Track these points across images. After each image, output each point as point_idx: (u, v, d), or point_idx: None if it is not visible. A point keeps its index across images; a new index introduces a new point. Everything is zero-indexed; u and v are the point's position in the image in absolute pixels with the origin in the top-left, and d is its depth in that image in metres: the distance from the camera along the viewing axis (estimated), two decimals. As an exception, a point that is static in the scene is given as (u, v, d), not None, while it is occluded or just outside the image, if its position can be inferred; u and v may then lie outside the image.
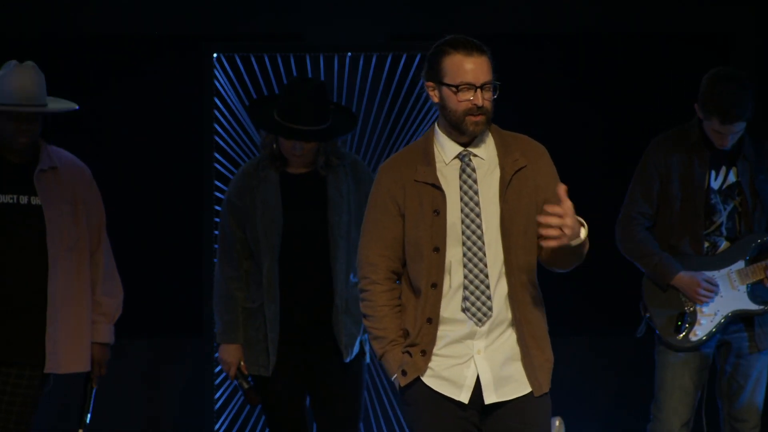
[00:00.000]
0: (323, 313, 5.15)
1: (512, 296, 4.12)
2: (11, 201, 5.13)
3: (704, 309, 5.48)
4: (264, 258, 5.15)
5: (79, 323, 5.20)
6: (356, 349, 5.20)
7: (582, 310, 6.91)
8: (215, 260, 5.42)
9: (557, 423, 5.24)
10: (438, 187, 4.13)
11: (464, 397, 4.12)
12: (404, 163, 4.20)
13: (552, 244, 3.98)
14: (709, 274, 5.46)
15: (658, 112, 7.02)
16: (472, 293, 4.10)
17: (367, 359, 5.30)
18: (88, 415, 5.30)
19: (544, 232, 3.97)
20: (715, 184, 5.48)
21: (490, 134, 4.19)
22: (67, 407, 7.03)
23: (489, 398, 4.12)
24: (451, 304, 4.12)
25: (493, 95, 4.11)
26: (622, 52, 7.09)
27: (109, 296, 5.28)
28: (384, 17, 7.06)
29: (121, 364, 7.06)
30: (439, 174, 4.15)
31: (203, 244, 6.80)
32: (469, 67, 4.08)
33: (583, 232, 4.04)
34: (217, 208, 6.52)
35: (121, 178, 7.01)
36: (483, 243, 4.10)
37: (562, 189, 3.98)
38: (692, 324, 5.47)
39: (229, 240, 5.25)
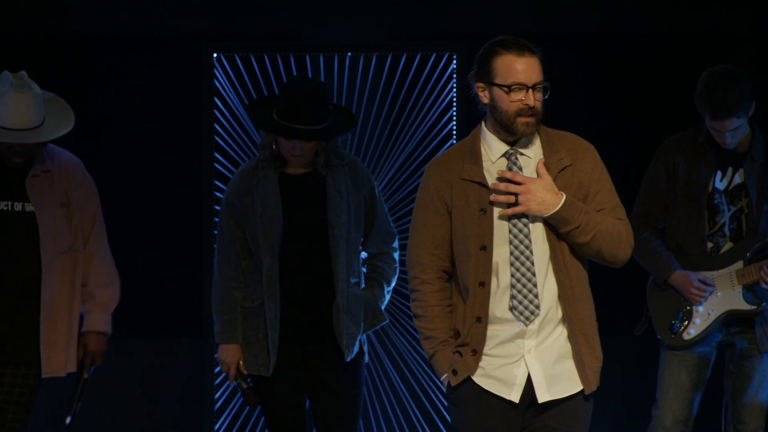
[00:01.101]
0: (323, 312, 5.15)
1: (562, 294, 4.13)
2: (5, 208, 5.12)
3: (699, 308, 5.50)
4: (264, 257, 5.15)
5: (73, 325, 5.20)
6: (356, 348, 5.20)
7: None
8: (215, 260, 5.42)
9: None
10: (485, 186, 4.14)
11: (515, 396, 4.14)
12: (451, 162, 4.21)
13: (507, 211, 4.08)
14: (709, 273, 5.47)
15: (658, 112, 7.02)
16: (519, 292, 4.11)
17: (366, 359, 5.30)
18: (79, 404, 5.29)
19: (493, 198, 4.08)
20: (721, 185, 5.49)
21: (536, 133, 4.20)
22: (64, 412, 7.03)
23: (542, 397, 4.13)
24: (500, 304, 4.13)
25: (544, 96, 4.12)
26: (621, 52, 7.09)
27: (103, 286, 5.26)
28: (384, 17, 7.06)
29: (121, 364, 7.07)
30: (486, 172, 4.16)
31: (203, 244, 6.80)
32: (521, 68, 4.09)
33: (555, 207, 4.06)
34: (217, 208, 6.52)
35: (121, 178, 7.01)
36: (530, 242, 4.12)
37: (540, 162, 4.09)
38: (687, 323, 5.49)
39: (228, 240, 5.25)
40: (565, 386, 4.15)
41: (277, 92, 6.68)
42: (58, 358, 5.15)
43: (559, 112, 7.06)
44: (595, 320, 4.21)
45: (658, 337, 5.56)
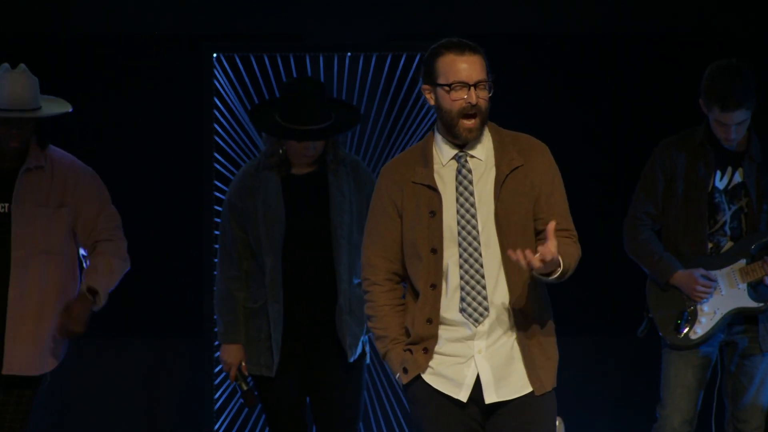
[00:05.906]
0: (326, 313, 5.15)
1: (513, 296, 4.13)
2: (2, 210, 5.10)
3: (704, 308, 5.49)
4: (267, 258, 5.15)
5: (44, 323, 5.13)
6: (359, 349, 5.20)
7: (586, 311, 6.91)
8: (216, 260, 5.42)
9: (557, 423, 5.24)
10: (434, 189, 4.15)
11: (463, 396, 4.14)
12: (403, 166, 4.23)
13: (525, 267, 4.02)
14: (711, 273, 5.47)
15: (658, 112, 7.03)
16: (468, 294, 4.11)
17: (368, 360, 5.31)
18: None
19: (511, 255, 4.01)
20: (721, 185, 5.49)
21: (488, 134, 4.21)
22: (64, 412, 7.03)
23: (489, 398, 4.13)
24: (450, 305, 4.14)
25: (489, 93, 4.13)
26: (621, 52, 7.09)
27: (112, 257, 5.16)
28: (384, 17, 7.06)
29: (121, 364, 7.07)
30: (436, 175, 4.17)
31: (203, 244, 6.80)
32: (462, 66, 4.11)
33: (558, 272, 4.06)
34: (217, 208, 6.52)
35: (121, 178, 7.00)
36: (479, 243, 4.12)
37: (551, 225, 4.02)
38: (692, 323, 5.49)
39: (230, 240, 5.25)
40: (515, 388, 4.14)
41: (277, 93, 6.67)
42: (19, 357, 5.07)
43: (559, 113, 7.08)
44: (549, 321, 4.20)
45: (662, 336, 5.55)
